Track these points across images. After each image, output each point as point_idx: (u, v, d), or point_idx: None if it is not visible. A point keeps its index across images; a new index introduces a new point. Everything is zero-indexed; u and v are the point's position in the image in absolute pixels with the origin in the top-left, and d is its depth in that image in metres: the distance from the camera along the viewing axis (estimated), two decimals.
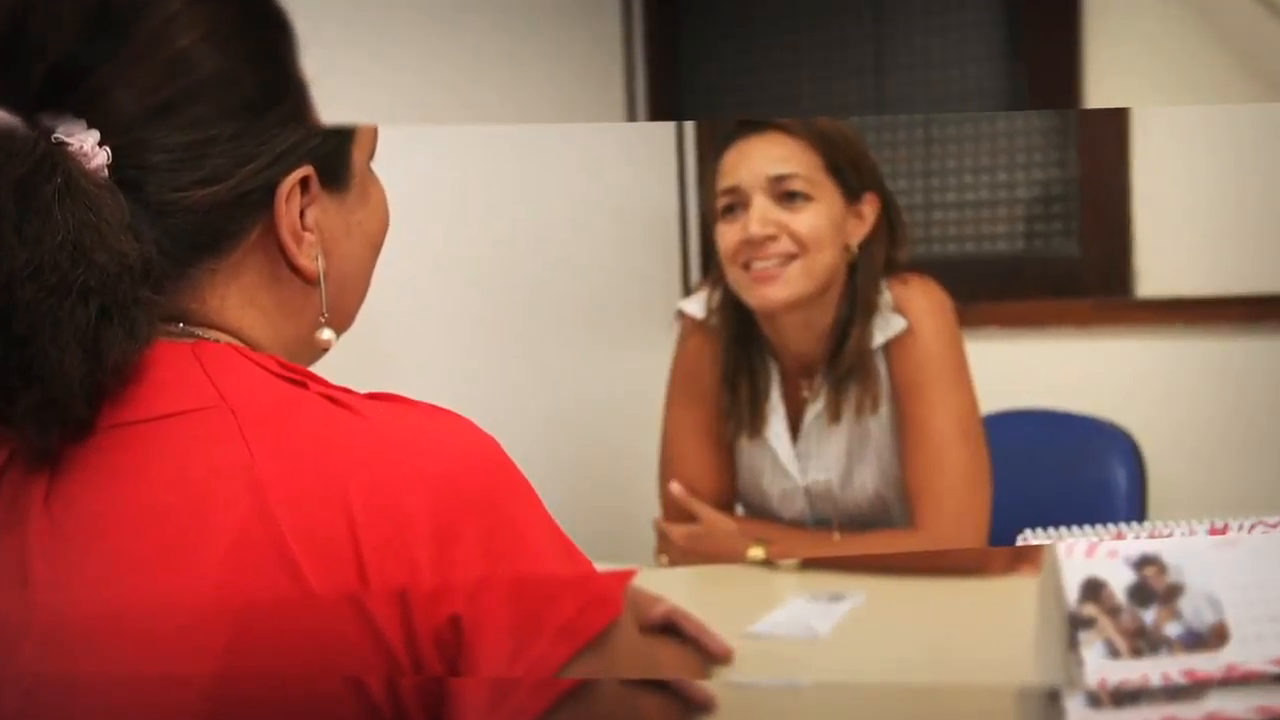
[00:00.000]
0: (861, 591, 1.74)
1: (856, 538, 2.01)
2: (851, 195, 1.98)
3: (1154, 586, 1.07)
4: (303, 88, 1.01)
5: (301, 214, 1.00)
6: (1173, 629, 1.06)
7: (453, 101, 2.51)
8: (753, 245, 1.95)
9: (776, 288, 1.95)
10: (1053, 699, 1.06)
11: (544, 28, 2.79)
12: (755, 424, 2.08)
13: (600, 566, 0.98)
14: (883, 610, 1.71)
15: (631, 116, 3.08)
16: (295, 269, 1.01)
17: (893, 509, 2.06)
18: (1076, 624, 1.06)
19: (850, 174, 1.97)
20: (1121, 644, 1.05)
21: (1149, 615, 1.06)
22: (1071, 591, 1.07)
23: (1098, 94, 2.77)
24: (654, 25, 3.15)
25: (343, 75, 1.05)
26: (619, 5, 3.07)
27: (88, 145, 0.90)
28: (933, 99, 2.99)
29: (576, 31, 2.94)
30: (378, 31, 2.28)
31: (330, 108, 1.02)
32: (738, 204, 1.97)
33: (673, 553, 2.05)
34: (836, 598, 1.71)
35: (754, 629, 1.61)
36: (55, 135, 0.89)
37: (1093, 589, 1.07)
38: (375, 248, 1.09)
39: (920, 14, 3.00)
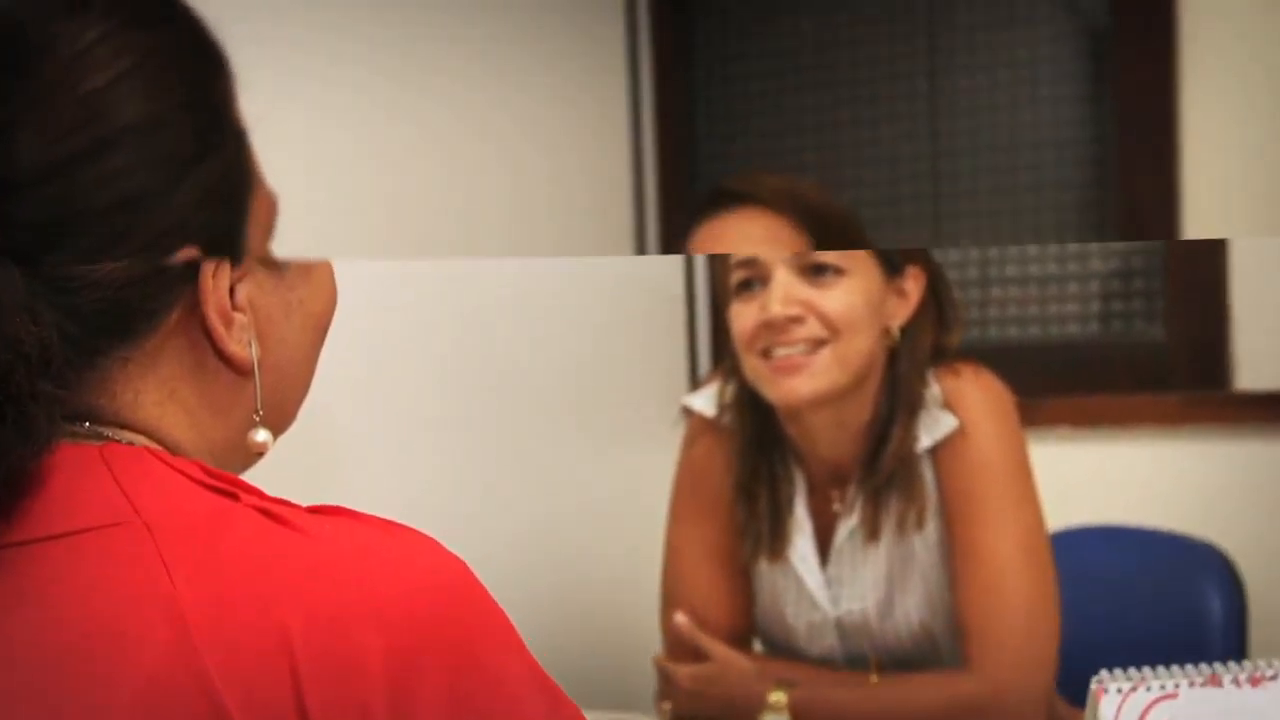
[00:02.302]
0: None
1: (897, 680, 1.99)
2: (892, 268, 1.98)
3: None
4: (241, 135, 1.01)
5: (232, 291, 1.00)
6: None
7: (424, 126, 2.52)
8: (774, 328, 1.94)
9: (802, 379, 1.94)
10: None
11: (544, 31, 2.82)
12: (776, 543, 2.07)
13: (592, 716, 0.97)
14: None
15: (635, 117, 3.11)
16: (224, 357, 1.00)
17: (941, 645, 2.05)
18: None
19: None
20: None
21: None
22: None
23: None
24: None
25: (290, 113, 1.05)
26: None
27: None
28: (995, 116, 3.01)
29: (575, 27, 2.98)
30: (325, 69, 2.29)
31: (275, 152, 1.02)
32: (756, 279, 1.97)
33: (678, 698, 2.03)
34: None
35: None
36: None
37: None
38: (320, 331, 1.08)
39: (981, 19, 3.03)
